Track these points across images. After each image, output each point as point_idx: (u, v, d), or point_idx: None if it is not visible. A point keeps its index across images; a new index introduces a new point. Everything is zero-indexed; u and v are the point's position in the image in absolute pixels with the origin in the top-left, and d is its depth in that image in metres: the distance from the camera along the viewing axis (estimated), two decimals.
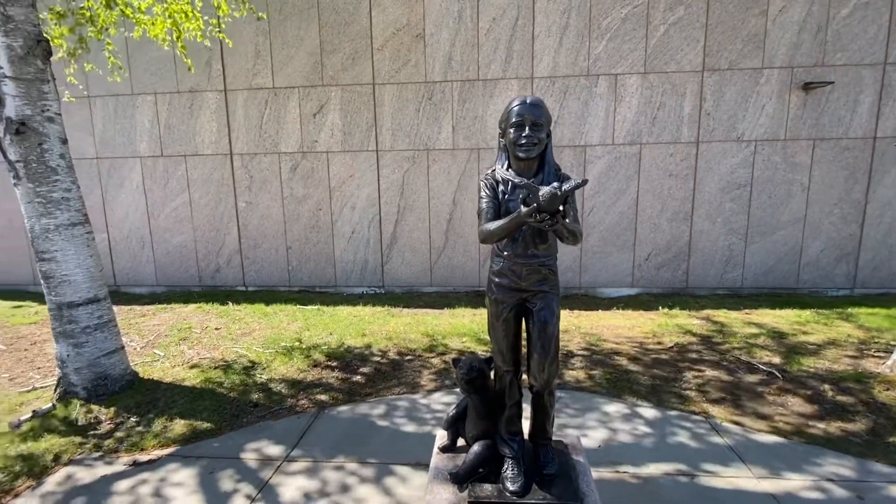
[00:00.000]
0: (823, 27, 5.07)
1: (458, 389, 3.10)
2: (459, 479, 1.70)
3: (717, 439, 2.56)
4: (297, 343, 4.10)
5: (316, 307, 5.28)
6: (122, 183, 6.18)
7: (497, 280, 1.76)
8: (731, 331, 4.25)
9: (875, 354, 3.61)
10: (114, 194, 6.22)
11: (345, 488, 2.22)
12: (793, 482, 2.21)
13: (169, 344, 4.25)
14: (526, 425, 1.85)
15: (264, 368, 3.59)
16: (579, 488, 1.67)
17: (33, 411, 2.85)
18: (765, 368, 3.42)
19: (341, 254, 5.99)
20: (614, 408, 2.92)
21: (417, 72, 5.53)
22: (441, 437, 1.98)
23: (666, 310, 4.96)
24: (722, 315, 4.74)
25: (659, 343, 4.01)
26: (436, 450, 1.91)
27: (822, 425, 2.69)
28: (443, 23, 5.42)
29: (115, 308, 5.19)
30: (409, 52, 5.51)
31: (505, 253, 1.71)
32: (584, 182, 1.44)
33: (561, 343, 4.07)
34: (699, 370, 3.46)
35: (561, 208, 1.39)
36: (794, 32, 5.11)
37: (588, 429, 2.69)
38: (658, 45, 5.24)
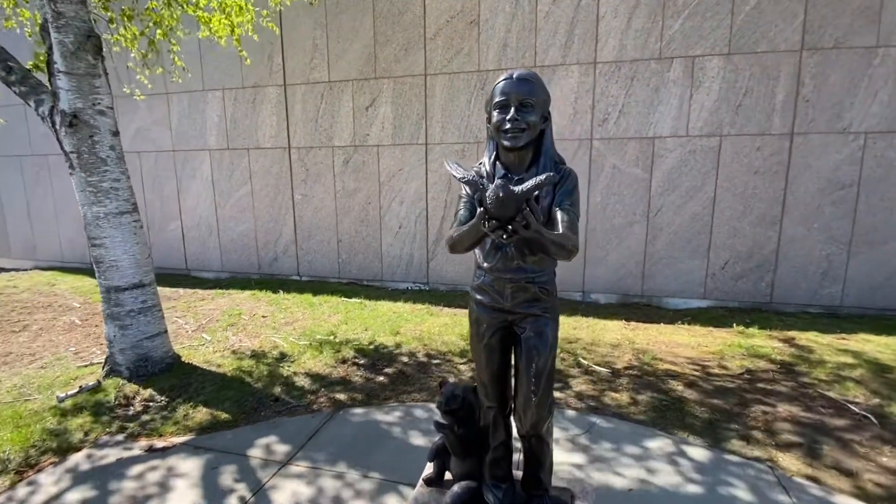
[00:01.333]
0: None
1: None
2: None
3: (782, 497, 2.08)
4: (330, 336, 4.09)
5: (359, 300, 5.28)
6: (194, 174, 6.62)
7: (478, 297, 1.50)
8: (820, 359, 3.56)
9: None
10: (187, 185, 6.68)
11: (339, 502, 2.10)
12: None
13: (217, 329, 4.44)
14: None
15: (293, 361, 3.60)
16: None
17: (80, 387, 3.06)
18: (857, 410, 2.79)
19: (388, 248, 5.94)
20: (658, 443, 2.52)
21: (470, 61, 5.28)
22: (428, 466, 1.77)
23: (741, 328, 4.31)
24: (811, 338, 4.01)
25: (726, 368, 3.46)
26: (420, 481, 1.71)
27: None
28: (499, 7, 5.12)
29: (180, 291, 5.52)
30: (463, 41, 5.27)
31: (485, 265, 1.44)
32: (548, 180, 1.13)
33: (609, 359, 3.69)
34: (771, 405, 2.90)
35: (528, 214, 1.08)
36: None
37: (622, 466, 2.33)
38: (747, 22, 4.52)
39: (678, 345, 3.94)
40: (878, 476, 2.24)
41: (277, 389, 3.16)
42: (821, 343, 3.90)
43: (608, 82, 4.95)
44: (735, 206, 4.81)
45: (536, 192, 1.11)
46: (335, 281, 6.19)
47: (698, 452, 2.44)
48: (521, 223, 1.09)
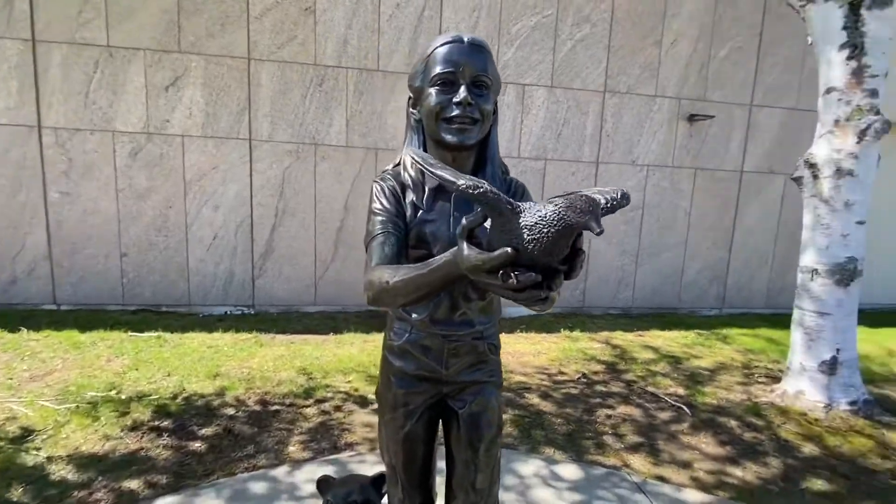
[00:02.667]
0: (706, 64, 5.40)
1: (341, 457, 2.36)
2: None
3: (644, 502, 2.20)
4: (112, 392, 2.96)
5: (155, 334, 4.06)
6: None
7: (398, 364, 1.08)
8: (631, 356, 4.15)
9: (759, 381, 3.72)
10: None
11: None
12: None
13: None
14: None
15: (46, 438, 2.44)
16: None
17: None
18: (672, 402, 3.27)
19: (198, 264, 4.79)
20: (532, 467, 2.44)
21: (305, 51, 4.66)
22: None
23: (567, 332, 4.77)
24: (619, 337, 4.67)
25: (566, 374, 3.70)
26: None
27: (739, 472, 2.52)
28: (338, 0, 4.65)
29: None
30: (296, 27, 4.62)
31: (414, 316, 1.05)
32: (624, 198, 0.71)
33: None
34: (610, 406, 3.18)
35: (581, 258, 0.68)
36: (682, 66, 5.36)
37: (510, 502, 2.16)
38: (565, 60, 5.10)
39: (523, 354, 4.09)
40: (704, 464, 2.58)
41: (15, 492, 2.05)
42: (628, 341, 4.57)
43: None
44: None
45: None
46: (117, 309, 4.70)
47: (568, 470, 2.44)
48: (563, 272, 0.65)
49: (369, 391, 3.18)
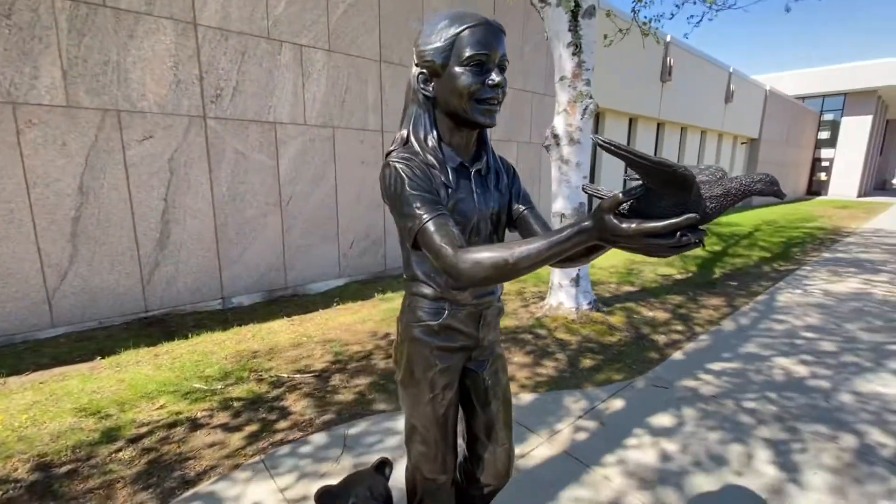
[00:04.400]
0: None
1: None
2: None
3: None
4: None
5: None
6: None
7: (439, 344, 1.07)
8: None
9: (532, 301, 4.81)
10: None
11: None
12: (563, 429, 2.55)
13: None
14: None
15: None
16: None
17: None
18: None
19: None
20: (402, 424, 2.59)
21: None
22: None
23: (380, 295, 4.98)
24: None
25: (392, 333, 3.93)
26: None
27: (543, 371, 3.29)
28: None
29: None
30: None
31: (455, 293, 1.05)
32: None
33: (304, 362, 3.38)
34: None
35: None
36: None
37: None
38: (340, 24, 4.99)
39: (349, 325, 4.10)
40: (522, 371, 3.24)
41: None
42: None
43: (215, 52, 4.23)
44: (351, 192, 5.38)
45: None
46: None
47: None
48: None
49: (194, 409, 2.66)
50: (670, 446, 2.41)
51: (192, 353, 3.46)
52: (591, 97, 4.00)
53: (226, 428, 2.50)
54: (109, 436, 2.39)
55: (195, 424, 2.52)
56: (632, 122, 11.24)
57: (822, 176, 25.20)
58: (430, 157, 1.00)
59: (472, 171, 1.06)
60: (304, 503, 1.96)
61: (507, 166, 1.17)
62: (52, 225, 3.62)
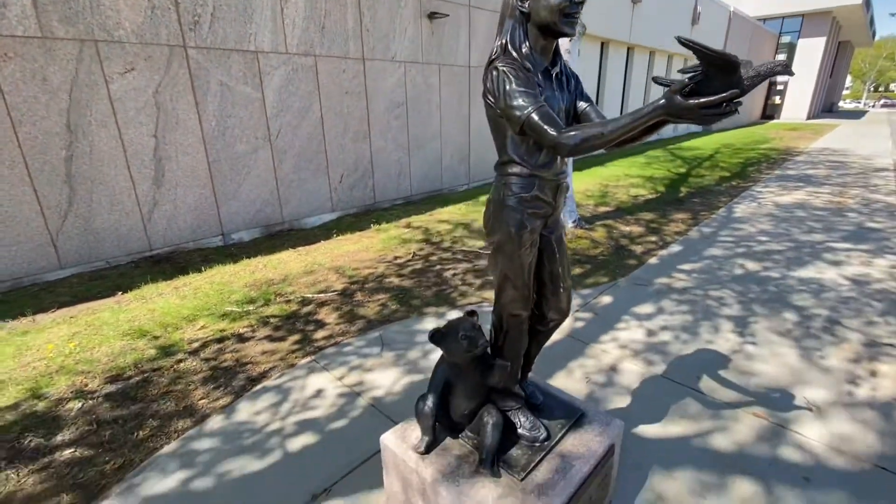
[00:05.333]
0: None
1: None
2: (491, 464, 1.35)
3: None
4: None
5: None
6: None
7: (530, 211, 1.34)
8: (436, 231, 4.98)
9: None
10: None
11: None
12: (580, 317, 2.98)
13: None
14: None
15: None
16: (570, 401, 1.66)
17: None
18: (484, 252, 4.27)
19: None
20: (430, 324, 2.95)
21: None
22: (400, 439, 1.46)
23: (376, 225, 5.19)
24: (417, 220, 5.43)
25: (399, 256, 4.22)
26: (416, 458, 1.41)
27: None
28: None
29: None
30: None
31: (538, 170, 1.31)
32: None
33: (322, 285, 3.63)
34: (448, 267, 3.93)
35: None
36: None
37: (429, 360, 2.63)
38: None
39: (354, 253, 4.35)
40: None
41: None
42: (425, 221, 5.37)
43: None
44: (337, 124, 5.38)
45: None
46: None
47: (452, 314, 3.07)
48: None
49: (235, 327, 2.92)
50: (653, 326, 2.90)
51: (211, 283, 3.64)
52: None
53: (271, 339, 2.78)
54: (166, 351, 2.64)
55: (242, 338, 2.79)
56: (603, 45, 11.23)
57: (777, 99, 26.11)
58: (526, 63, 1.23)
59: (553, 74, 1.29)
60: (359, 388, 2.32)
61: (572, 71, 1.41)
62: (46, 166, 3.56)
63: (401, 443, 1.48)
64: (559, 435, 1.47)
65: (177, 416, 2.13)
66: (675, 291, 3.41)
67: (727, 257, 4.10)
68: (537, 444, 1.44)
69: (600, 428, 1.53)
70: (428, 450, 1.42)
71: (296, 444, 1.96)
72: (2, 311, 3.20)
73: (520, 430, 1.47)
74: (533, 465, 1.36)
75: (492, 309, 1.53)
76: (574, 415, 1.55)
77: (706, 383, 2.35)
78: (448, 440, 1.48)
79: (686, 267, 3.88)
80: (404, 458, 1.43)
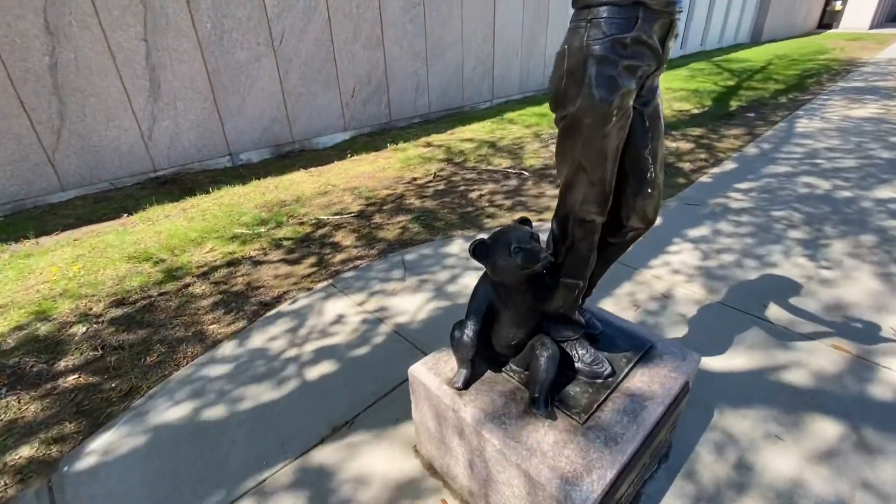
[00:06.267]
0: None
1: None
2: (545, 403, 1.11)
3: None
4: None
5: None
6: None
7: (626, 63, 0.95)
8: (459, 150, 4.55)
9: (551, 142, 4.68)
10: None
11: None
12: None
13: None
14: None
15: None
16: (635, 330, 1.39)
17: None
18: (513, 172, 3.87)
19: None
20: (457, 247, 2.68)
21: None
22: (431, 371, 1.23)
23: (393, 145, 4.79)
24: (437, 139, 4.98)
25: (419, 177, 3.87)
26: (452, 394, 1.18)
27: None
28: None
29: None
30: None
31: (649, 0, 0.91)
32: None
33: (337, 207, 3.35)
34: (474, 188, 3.58)
35: None
36: None
37: (452, 283, 2.37)
38: None
39: (372, 173, 4.01)
40: (552, 202, 3.28)
41: None
42: (446, 139, 4.93)
43: None
44: (347, 28, 4.78)
45: None
46: None
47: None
48: None
49: (246, 250, 2.70)
50: (708, 249, 2.56)
51: (219, 205, 3.39)
52: None
53: (285, 262, 2.56)
54: (173, 275, 2.45)
55: (254, 262, 2.58)
56: None
57: (838, 5, 23.15)
58: None
59: None
60: (381, 313, 2.10)
61: None
62: (29, 74, 3.21)
63: (433, 376, 1.25)
64: (625, 370, 1.21)
65: (186, 342, 1.97)
66: (732, 212, 3.02)
67: (791, 175, 3.62)
68: (599, 381, 1.19)
69: (673, 362, 1.26)
70: (466, 385, 1.19)
71: (314, 372, 1.78)
72: (4, 233, 3.04)
73: (578, 365, 1.21)
74: (596, 405, 1.12)
75: (553, 214, 1.19)
76: (642, 347, 1.29)
77: (774, 311, 2.05)
78: (489, 374, 1.24)
79: (743, 186, 3.44)
80: (438, 394, 1.20)
